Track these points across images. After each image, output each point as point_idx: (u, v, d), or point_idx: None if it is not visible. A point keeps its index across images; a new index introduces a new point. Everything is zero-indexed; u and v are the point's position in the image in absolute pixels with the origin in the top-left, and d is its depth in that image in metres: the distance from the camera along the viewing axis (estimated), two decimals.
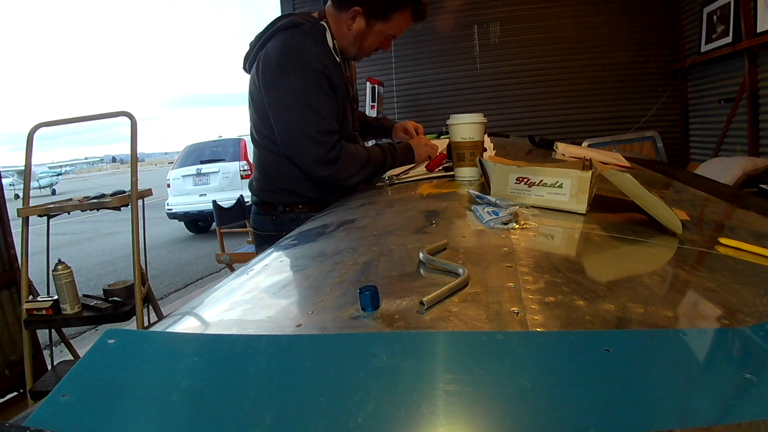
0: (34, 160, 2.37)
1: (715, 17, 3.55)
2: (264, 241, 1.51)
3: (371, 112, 4.22)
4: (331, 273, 0.60)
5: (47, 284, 2.37)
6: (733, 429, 0.28)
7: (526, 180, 0.84)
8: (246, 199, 3.79)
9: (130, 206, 2.26)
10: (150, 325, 1.65)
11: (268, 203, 1.50)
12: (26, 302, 2.19)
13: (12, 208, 2.50)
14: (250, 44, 1.43)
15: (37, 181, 20.47)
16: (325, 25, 1.37)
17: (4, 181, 2.73)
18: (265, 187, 1.49)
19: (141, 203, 2.28)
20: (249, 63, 1.43)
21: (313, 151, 1.31)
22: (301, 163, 1.37)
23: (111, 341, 0.39)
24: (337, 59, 1.38)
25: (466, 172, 1.18)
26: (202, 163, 7.35)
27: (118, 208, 2.30)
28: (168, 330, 0.53)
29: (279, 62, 1.29)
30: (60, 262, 2.16)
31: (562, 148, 1.60)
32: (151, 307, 2.46)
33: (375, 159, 1.42)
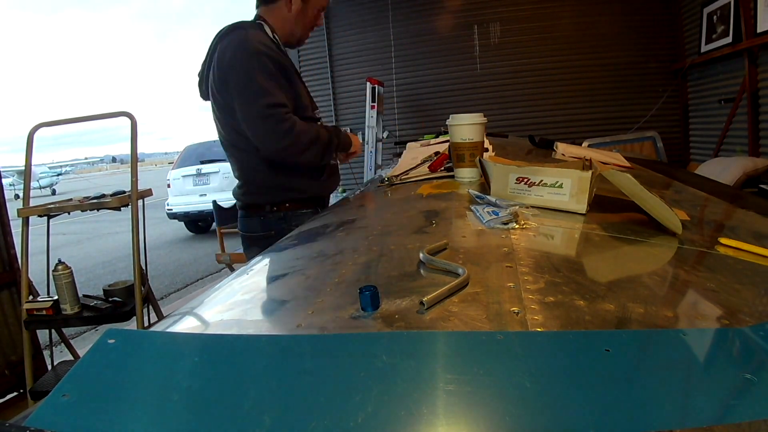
0: (34, 161, 2.37)
1: (715, 17, 3.55)
2: (253, 243, 1.52)
3: (371, 113, 4.21)
4: (331, 273, 0.60)
5: (47, 284, 2.37)
6: (733, 429, 0.28)
7: (526, 180, 0.84)
8: None
9: (130, 206, 2.26)
10: (150, 325, 1.65)
11: (254, 205, 1.52)
12: (26, 302, 2.19)
13: (12, 208, 2.50)
14: (199, 74, 1.51)
15: (37, 181, 20.43)
16: (262, 23, 1.45)
17: (4, 181, 2.73)
18: (250, 190, 1.52)
19: (141, 203, 2.28)
20: (204, 86, 1.49)
21: (266, 124, 1.35)
22: (259, 142, 1.39)
23: (111, 341, 0.39)
24: (279, 47, 1.45)
25: (466, 173, 1.18)
26: (202, 163, 7.34)
27: (118, 208, 2.30)
28: (168, 330, 0.53)
29: (229, 59, 1.36)
30: (60, 262, 2.16)
31: (562, 148, 1.60)
32: (151, 307, 2.46)
33: (323, 137, 1.46)
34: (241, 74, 1.34)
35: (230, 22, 1.46)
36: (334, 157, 1.56)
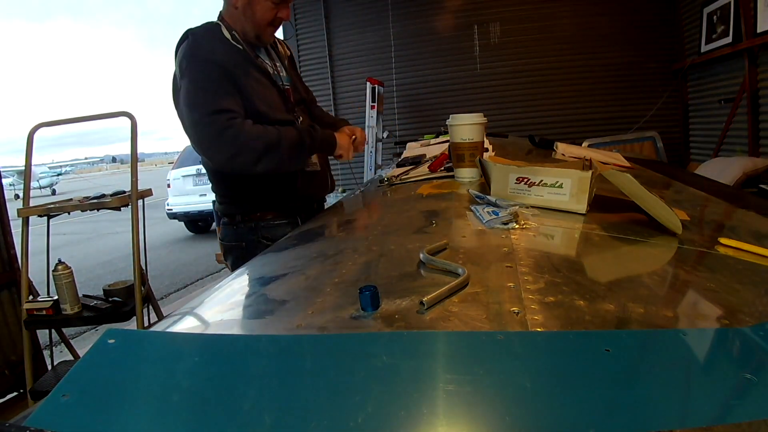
0: (34, 161, 2.37)
1: (715, 17, 3.55)
2: (227, 251, 1.47)
3: (371, 113, 4.21)
4: (331, 273, 0.60)
5: (47, 284, 2.36)
6: (733, 429, 0.28)
7: (526, 180, 0.84)
8: None
9: (130, 206, 2.26)
10: (150, 325, 1.65)
11: (228, 214, 1.45)
12: (26, 302, 2.19)
13: (12, 208, 2.50)
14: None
15: (37, 181, 20.41)
16: (220, 22, 1.36)
17: (4, 181, 2.73)
18: (223, 200, 1.46)
19: (141, 203, 2.28)
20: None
21: (205, 132, 1.23)
22: (202, 153, 1.30)
23: (111, 341, 0.39)
24: (239, 47, 1.33)
25: (466, 173, 1.18)
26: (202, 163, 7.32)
27: (118, 208, 2.30)
28: (168, 330, 0.53)
29: (178, 68, 1.29)
30: (60, 262, 2.16)
31: (562, 148, 1.61)
32: (151, 307, 2.46)
33: (289, 140, 1.29)
34: (186, 83, 1.25)
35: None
36: (309, 163, 1.42)
